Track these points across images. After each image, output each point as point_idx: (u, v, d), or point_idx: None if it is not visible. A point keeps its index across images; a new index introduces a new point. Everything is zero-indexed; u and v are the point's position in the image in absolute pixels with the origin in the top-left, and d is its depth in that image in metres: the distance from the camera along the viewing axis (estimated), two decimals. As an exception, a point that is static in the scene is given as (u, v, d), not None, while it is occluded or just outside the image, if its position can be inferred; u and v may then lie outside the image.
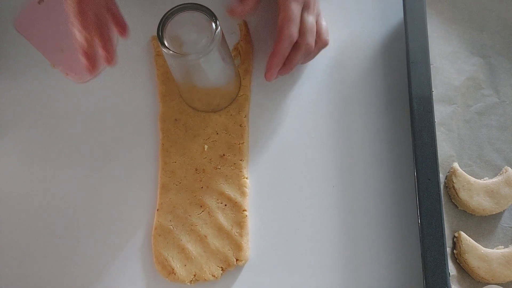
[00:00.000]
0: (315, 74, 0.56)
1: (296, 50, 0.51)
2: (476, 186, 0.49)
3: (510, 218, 0.49)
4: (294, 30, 0.49)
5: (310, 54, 0.53)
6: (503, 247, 0.48)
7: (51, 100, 0.57)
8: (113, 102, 0.56)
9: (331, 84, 0.56)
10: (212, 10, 0.46)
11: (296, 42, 0.50)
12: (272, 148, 0.54)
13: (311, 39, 0.50)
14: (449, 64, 0.54)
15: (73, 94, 0.57)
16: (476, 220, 0.49)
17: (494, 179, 0.50)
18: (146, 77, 0.57)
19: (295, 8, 0.49)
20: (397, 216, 0.51)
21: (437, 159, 0.47)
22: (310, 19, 0.50)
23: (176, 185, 0.52)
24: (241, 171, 0.52)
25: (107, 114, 0.56)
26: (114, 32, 0.48)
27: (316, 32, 0.51)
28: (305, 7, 0.50)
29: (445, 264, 0.44)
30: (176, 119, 0.54)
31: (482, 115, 0.53)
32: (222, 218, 0.51)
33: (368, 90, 0.56)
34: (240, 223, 0.51)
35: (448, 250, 0.48)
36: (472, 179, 0.49)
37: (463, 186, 0.49)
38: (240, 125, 0.54)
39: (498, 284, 0.46)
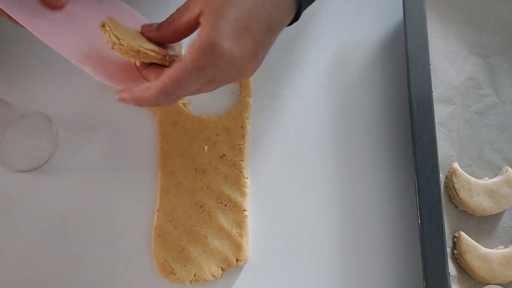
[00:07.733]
0: (315, 74, 0.56)
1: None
2: (476, 186, 0.49)
3: (510, 218, 0.50)
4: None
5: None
6: (503, 247, 0.48)
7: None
8: (112, 103, 0.56)
9: (331, 84, 0.56)
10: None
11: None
12: (272, 148, 0.54)
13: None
14: (449, 64, 0.54)
15: (72, 95, 0.57)
16: (476, 220, 0.50)
17: (494, 179, 0.50)
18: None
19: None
20: (397, 216, 0.51)
21: (437, 159, 0.47)
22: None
23: (176, 185, 0.52)
24: (241, 172, 0.52)
25: (106, 116, 0.56)
26: None
27: None
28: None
29: (445, 264, 0.44)
30: (175, 121, 0.54)
31: (482, 115, 0.53)
32: (222, 218, 0.51)
33: (368, 90, 0.56)
34: (240, 223, 0.51)
35: (448, 250, 0.48)
36: (472, 179, 0.49)
37: (463, 186, 0.49)
38: (242, 127, 0.54)
39: (498, 284, 0.47)
